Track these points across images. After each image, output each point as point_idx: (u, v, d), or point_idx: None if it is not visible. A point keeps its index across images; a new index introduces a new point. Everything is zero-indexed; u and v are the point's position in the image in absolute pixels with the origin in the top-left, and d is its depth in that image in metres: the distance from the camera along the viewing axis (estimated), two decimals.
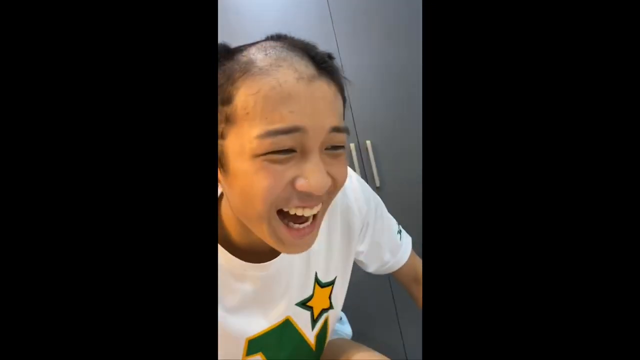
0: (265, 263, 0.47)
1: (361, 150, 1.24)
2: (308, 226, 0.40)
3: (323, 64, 0.37)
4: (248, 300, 0.48)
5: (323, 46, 0.42)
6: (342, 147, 0.39)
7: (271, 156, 0.35)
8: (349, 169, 0.57)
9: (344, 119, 0.41)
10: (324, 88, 0.36)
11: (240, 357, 0.50)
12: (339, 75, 0.39)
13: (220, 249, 0.46)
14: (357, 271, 0.64)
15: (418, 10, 1.27)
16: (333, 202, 0.51)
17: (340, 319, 0.78)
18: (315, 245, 0.51)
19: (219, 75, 0.37)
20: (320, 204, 0.40)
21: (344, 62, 1.24)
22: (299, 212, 0.38)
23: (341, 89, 0.40)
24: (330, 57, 0.39)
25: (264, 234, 0.39)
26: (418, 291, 0.65)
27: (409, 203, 1.20)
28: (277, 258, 0.48)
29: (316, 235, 0.41)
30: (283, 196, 0.36)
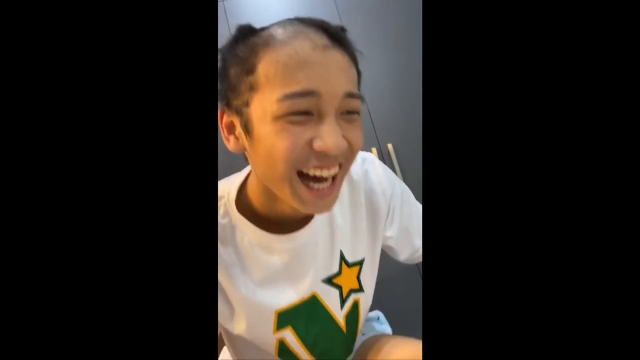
0: (292, 234, 0.49)
1: (383, 154, 1.25)
2: (328, 187, 0.42)
3: (336, 35, 0.41)
4: (277, 273, 0.50)
5: None
6: (356, 112, 0.42)
7: (290, 118, 0.38)
8: (372, 155, 0.60)
9: (358, 89, 0.44)
10: (337, 56, 0.40)
11: (271, 331, 0.52)
12: (351, 47, 0.43)
13: (248, 223, 0.49)
14: (388, 268, 0.63)
15: None
16: (357, 184, 0.55)
17: (378, 318, 0.77)
18: (340, 221, 0.54)
19: (243, 49, 0.41)
20: (337, 166, 0.42)
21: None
22: (318, 173, 0.40)
23: (354, 60, 0.43)
24: (342, 29, 0.42)
25: (286, 195, 0.42)
26: None
27: None
28: (302, 230, 0.50)
29: (336, 197, 0.43)
30: (302, 156, 0.39)
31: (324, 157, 0.39)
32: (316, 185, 0.41)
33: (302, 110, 0.38)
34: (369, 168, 0.57)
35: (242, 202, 0.51)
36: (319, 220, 0.52)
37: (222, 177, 0.56)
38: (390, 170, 0.61)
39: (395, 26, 1.30)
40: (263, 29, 0.42)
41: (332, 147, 0.38)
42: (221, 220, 0.50)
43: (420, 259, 0.64)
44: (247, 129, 0.41)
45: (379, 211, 0.57)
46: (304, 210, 0.43)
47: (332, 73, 0.39)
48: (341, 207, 0.55)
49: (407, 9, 1.30)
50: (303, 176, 0.41)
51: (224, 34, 0.44)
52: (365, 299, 0.59)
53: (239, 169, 0.55)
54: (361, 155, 0.59)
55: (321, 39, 0.39)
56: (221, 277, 0.49)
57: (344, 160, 0.42)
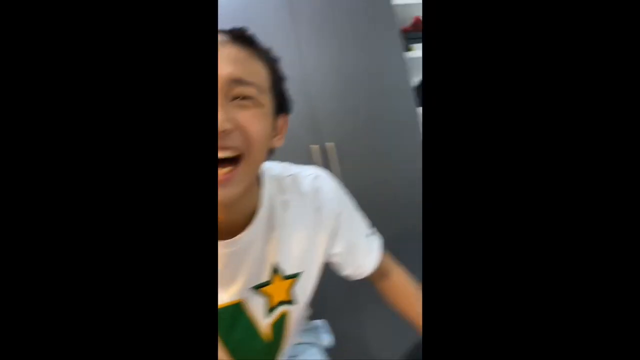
0: (227, 241, 0.50)
1: (324, 152, 1.23)
2: (223, 174, 0.42)
3: (235, 34, 0.45)
4: None
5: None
6: (250, 98, 0.43)
7: None
8: (325, 173, 0.60)
9: (277, 85, 0.49)
10: (231, 50, 0.43)
11: None
12: (255, 44, 0.47)
13: None
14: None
15: (382, 13, 1.29)
16: (305, 197, 0.56)
17: (318, 328, 0.78)
18: (280, 232, 0.54)
19: None
20: (228, 150, 0.42)
21: (308, 65, 1.23)
22: None
23: (261, 57, 0.47)
24: (244, 29, 0.46)
25: None
26: (385, 286, 0.67)
27: (370, 203, 1.21)
28: (238, 237, 0.50)
29: (235, 189, 0.44)
30: None
31: None
32: None
33: None
34: (320, 186, 0.58)
35: None
36: (256, 229, 0.52)
37: None
38: (341, 189, 0.62)
39: (342, 25, 1.29)
40: None
41: None
42: None
43: (363, 275, 0.66)
44: None
45: (324, 229, 0.58)
46: None
47: (219, 62, 0.41)
48: (284, 218, 0.55)
49: (354, 8, 1.29)
50: None
51: None
52: (296, 312, 0.59)
53: None
54: (315, 172, 0.60)
55: (220, 38, 0.44)
56: None
57: (239, 146, 0.43)
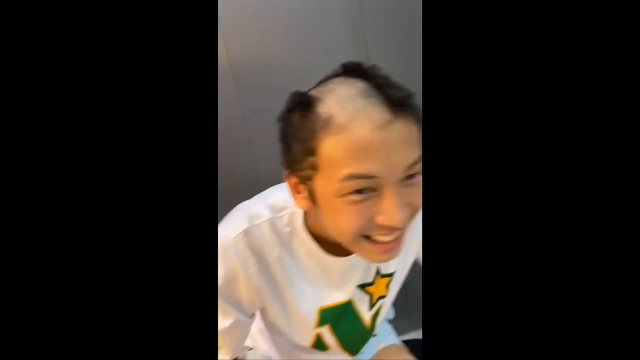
0: (345, 258, 0.55)
1: None
2: (393, 241, 0.45)
3: (399, 103, 0.40)
4: (324, 280, 0.58)
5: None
6: (417, 174, 0.42)
7: (352, 197, 0.41)
8: None
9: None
10: (399, 129, 0.40)
11: (313, 326, 0.61)
12: (416, 111, 0.42)
13: (310, 240, 0.53)
14: None
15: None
16: None
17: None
18: None
19: (302, 129, 0.42)
20: (399, 230, 0.44)
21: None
22: (383, 239, 0.44)
23: (416, 118, 0.42)
24: (408, 97, 0.41)
25: (352, 249, 0.47)
26: None
27: None
28: (354, 254, 0.55)
29: (401, 247, 0.47)
30: (366, 228, 0.43)
31: (387, 228, 0.42)
32: (381, 239, 0.44)
33: (363, 189, 0.40)
34: None
35: (307, 220, 0.54)
36: None
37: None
38: None
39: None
40: (319, 99, 0.42)
41: (394, 222, 0.41)
42: (284, 229, 0.53)
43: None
44: (312, 198, 0.45)
45: (416, 234, 0.61)
46: (369, 261, 0.48)
47: (392, 152, 0.39)
48: None
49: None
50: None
51: None
52: (389, 300, 0.68)
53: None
54: None
55: (381, 116, 0.39)
56: (276, 270, 0.54)
57: (408, 222, 0.45)
